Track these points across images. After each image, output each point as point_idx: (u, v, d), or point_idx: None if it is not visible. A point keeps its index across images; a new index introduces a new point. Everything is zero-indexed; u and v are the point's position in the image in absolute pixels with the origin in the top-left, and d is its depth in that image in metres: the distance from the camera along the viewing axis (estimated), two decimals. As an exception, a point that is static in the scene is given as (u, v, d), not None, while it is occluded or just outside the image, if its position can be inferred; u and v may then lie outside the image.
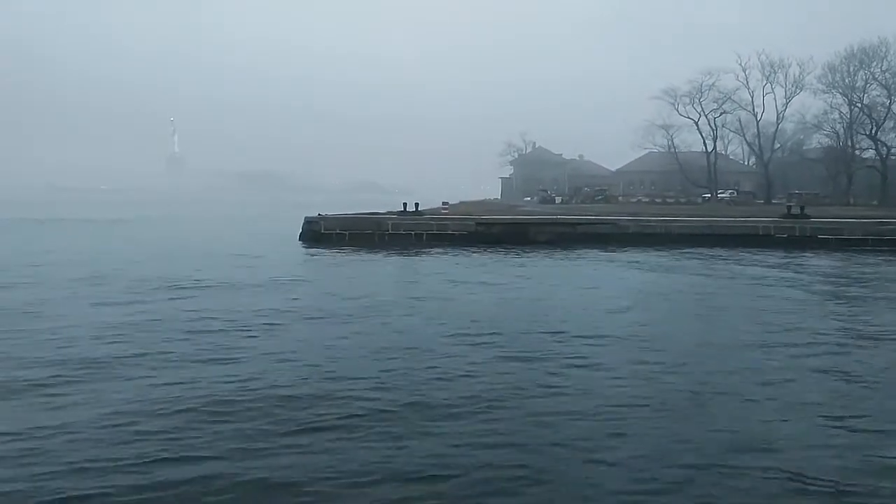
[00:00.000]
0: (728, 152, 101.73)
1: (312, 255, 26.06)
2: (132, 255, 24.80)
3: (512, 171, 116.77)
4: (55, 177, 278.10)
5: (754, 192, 76.50)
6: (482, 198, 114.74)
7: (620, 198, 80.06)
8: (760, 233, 30.71)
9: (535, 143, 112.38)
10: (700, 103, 69.83)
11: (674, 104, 72.17)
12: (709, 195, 74.69)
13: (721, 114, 69.70)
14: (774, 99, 67.27)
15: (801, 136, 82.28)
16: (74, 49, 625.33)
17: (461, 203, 67.67)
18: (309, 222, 32.26)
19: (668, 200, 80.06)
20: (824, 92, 62.07)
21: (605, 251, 27.09)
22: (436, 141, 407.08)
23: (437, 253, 26.70)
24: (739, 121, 71.31)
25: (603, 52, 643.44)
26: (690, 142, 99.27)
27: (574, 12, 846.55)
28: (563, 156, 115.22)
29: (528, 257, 25.24)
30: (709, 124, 71.54)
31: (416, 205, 33.09)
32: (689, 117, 72.80)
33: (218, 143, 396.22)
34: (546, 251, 27.34)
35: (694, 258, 25.08)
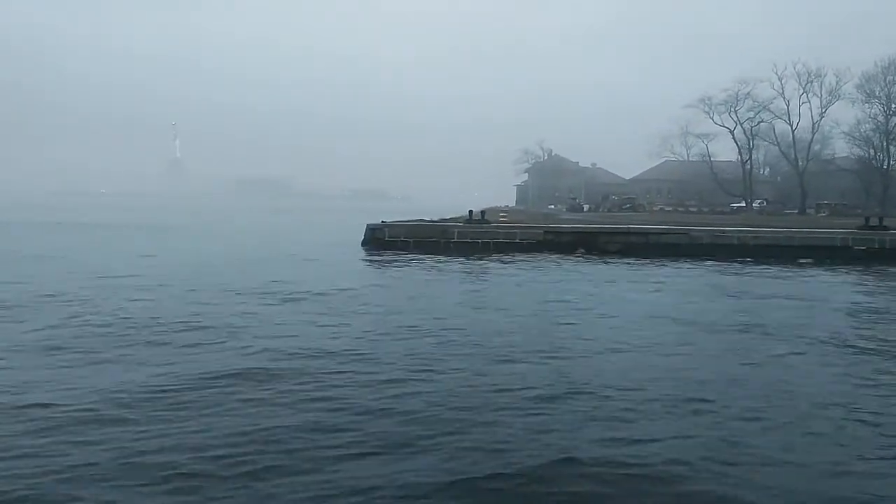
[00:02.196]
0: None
1: (411, 262, 25.02)
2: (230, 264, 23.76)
3: (526, 179, 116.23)
4: (54, 180, 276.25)
5: (783, 201, 76.03)
6: (492, 205, 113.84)
7: (648, 206, 79.43)
8: (838, 244, 29.94)
9: (551, 151, 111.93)
10: (735, 112, 69.38)
11: (708, 113, 71.71)
12: (743, 204, 74.14)
13: (759, 123, 69.27)
14: (810, 108, 66.99)
15: (819, 147, 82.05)
16: (73, 52, 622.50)
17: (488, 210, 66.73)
18: (372, 229, 31.49)
19: (692, 209, 79.57)
20: (864, 101, 61.68)
21: (694, 264, 26.30)
22: (438, 148, 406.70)
23: (551, 262, 25.71)
24: (773, 130, 70.87)
25: (606, 61, 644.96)
26: (710, 151, 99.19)
27: (572, 21, 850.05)
28: (579, 164, 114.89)
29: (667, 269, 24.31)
30: (744, 133, 70.98)
31: (483, 213, 32.37)
32: (724, 126, 72.41)
33: (218, 148, 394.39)
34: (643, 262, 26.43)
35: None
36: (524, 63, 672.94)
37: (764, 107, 67.20)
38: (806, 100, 66.00)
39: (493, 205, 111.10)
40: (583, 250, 29.07)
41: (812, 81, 64.65)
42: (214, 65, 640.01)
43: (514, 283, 19.81)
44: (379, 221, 32.16)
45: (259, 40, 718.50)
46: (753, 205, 75.05)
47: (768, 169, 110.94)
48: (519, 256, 27.52)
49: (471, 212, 32.17)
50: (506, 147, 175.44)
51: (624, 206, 74.68)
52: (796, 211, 67.45)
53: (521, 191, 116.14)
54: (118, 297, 15.22)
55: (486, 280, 21.07)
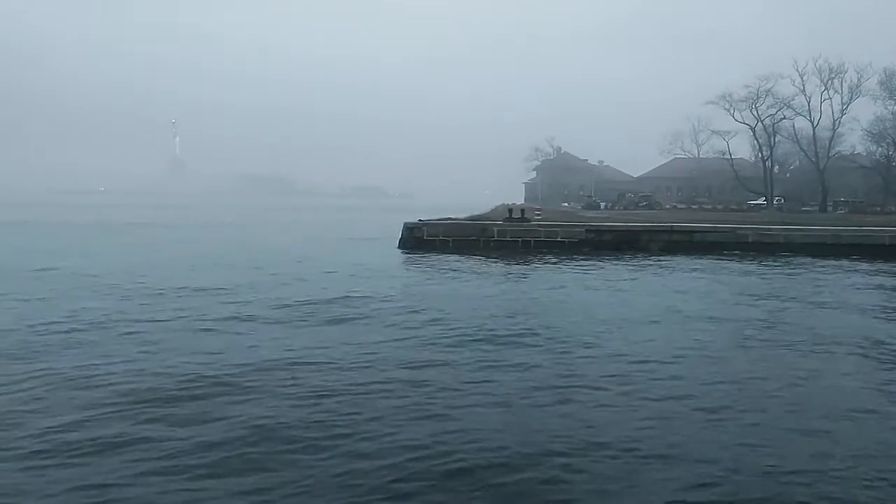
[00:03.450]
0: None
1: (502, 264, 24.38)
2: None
3: (535, 176, 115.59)
4: (54, 180, 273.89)
5: (801, 198, 75.40)
6: (496, 203, 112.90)
7: (667, 205, 78.78)
8: (886, 243, 29.37)
9: (560, 149, 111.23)
10: (756, 109, 68.72)
11: (729, 110, 71.07)
12: (761, 201, 73.59)
13: (781, 119, 68.51)
14: (831, 105, 66.36)
15: (830, 144, 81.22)
16: (74, 51, 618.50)
17: (506, 208, 66.06)
18: (410, 228, 30.85)
19: (706, 207, 78.99)
20: (887, 98, 60.99)
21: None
22: (439, 146, 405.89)
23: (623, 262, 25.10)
24: (793, 127, 70.27)
25: (608, 60, 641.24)
26: (722, 148, 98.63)
27: (573, 21, 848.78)
28: (589, 161, 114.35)
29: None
30: (765, 130, 70.23)
31: (522, 211, 31.74)
32: (745, 123, 71.87)
33: (217, 146, 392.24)
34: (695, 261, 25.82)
35: None
36: (526, 62, 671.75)
37: (786, 104, 66.58)
38: (827, 97, 65.40)
39: (499, 203, 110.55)
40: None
41: (833, 78, 64.01)
42: (214, 64, 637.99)
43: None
44: (416, 220, 31.53)
45: (260, 43, 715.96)
46: (774, 202, 74.55)
47: (777, 166, 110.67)
48: (579, 258, 26.77)
49: (510, 210, 31.58)
50: (509, 145, 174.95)
51: (640, 204, 74.12)
52: (816, 208, 66.82)
53: (530, 188, 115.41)
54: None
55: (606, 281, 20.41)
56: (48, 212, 66.29)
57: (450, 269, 22.26)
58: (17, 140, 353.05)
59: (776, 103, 66.72)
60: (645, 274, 21.97)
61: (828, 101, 65.63)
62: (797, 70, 65.28)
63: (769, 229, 30.28)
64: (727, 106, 70.29)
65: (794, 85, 65.66)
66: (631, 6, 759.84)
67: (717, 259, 26.33)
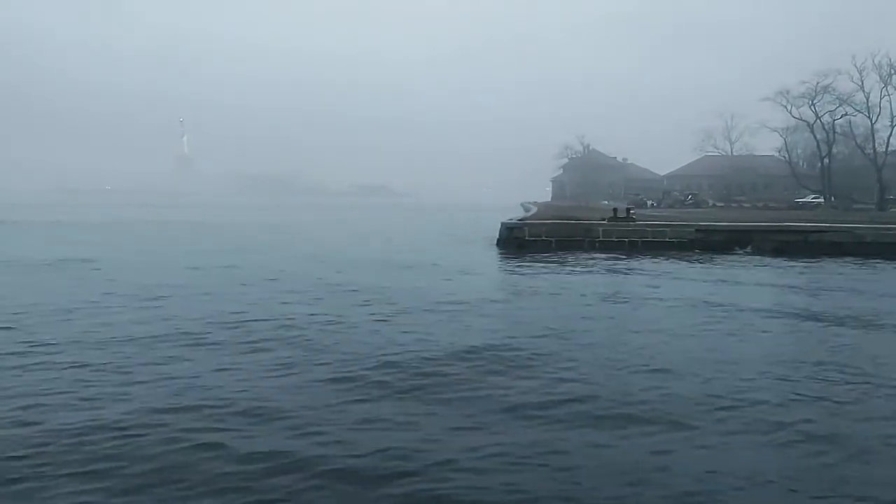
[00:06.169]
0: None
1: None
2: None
3: (560, 174, 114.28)
4: (62, 179, 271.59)
5: (854, 196, 74.04)
6: (517, 200, 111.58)
7: (712, 203, 77.36)
8: None
9: (589, 146, 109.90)
10: (814, 106, 67.54)
11: (786, 106, 69.85)
12: (811, 198, 72.35)
13: (843, 115, 67.27)
14: (890, 101, 65.10)
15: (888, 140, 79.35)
16: (80, 52, 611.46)
17: (548, 207, 64.99)
18: (510, 228, 29.72)
19: (745, 205, 77.56)
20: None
21: None
22: (442, 143, 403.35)
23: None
24: (849, 123, 69.01)
25: (610, 61, 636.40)
26: (751, 146, 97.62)
27: (570, 22, 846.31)
28: (618, 159, 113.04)
29: None
30: (823, 127, 69.02)
31: (628, 210, 30.44)
32: (803, 119, 70.67)
33: (222, 145, 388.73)
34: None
35: None
36: (526, 61, 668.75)
37: (845, 100, 65.36)
38: (886, 93, 64.12)
39: (520, 200, 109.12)
40: None
41: (893, 74, 62.63)
42: (219, 64, 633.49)
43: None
44: (515, 220, 30.34)
45: (264, 41, 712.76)
46: (799, 200, 73.35)
47: (805, 163, 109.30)
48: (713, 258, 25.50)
49: (615, 209, 30.35)
50: (510, 144, 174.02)
51: (687, 202, 72.77)
52: (871, 206, 65.42)
53: (557, 186, 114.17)
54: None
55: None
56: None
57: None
58: (22, 141, 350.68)
59: (834, 100, 65.59)
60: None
61: (886, 98, 64.50)
62: (855, 66, 64.14)
63: (889, 229, 28.99)
64: (784, 102, 69.19)
65: (852, 81, 64.54)
66: (631, 5, 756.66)
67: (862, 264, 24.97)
